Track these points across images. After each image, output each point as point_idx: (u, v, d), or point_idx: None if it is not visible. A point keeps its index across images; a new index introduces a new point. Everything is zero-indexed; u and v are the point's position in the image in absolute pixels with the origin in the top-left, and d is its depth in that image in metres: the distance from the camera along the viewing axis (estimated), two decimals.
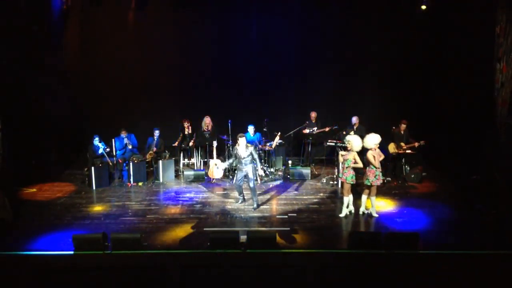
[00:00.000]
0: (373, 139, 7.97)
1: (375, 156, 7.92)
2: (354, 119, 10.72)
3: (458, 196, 9.35)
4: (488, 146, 8.61)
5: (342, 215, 8.25)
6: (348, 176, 8.04)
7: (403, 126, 10.41)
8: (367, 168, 8.02)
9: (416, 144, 10.12)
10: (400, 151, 10.33)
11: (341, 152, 8.27)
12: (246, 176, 8.57)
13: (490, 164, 8.29)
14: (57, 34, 11.81)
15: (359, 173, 8.43)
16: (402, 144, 10.32)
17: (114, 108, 12.33)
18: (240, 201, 8.93)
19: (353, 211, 8.36)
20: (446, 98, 12.03)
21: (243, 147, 8.47)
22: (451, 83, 11.80)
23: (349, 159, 8.01)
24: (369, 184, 8.00)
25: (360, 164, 8.02)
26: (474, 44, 10.58)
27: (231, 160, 8.86)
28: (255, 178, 8.73)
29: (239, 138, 8.49)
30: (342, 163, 8.23)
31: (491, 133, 8.41)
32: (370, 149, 7.95)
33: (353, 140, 8.04)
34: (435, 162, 12.07)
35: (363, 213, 8.30)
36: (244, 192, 8.99)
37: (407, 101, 12.61)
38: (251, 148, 8.54)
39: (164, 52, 12.11)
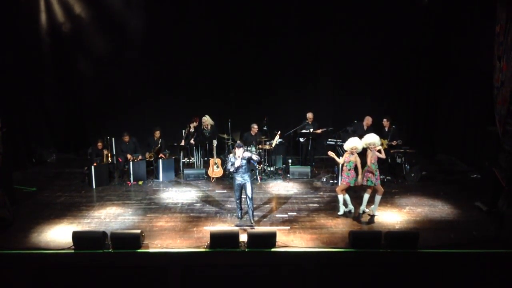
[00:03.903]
0: (367, 139, 8.03)
1: (373, 156, 7.96)
2: (369, 120, 10.65)
3: (458, 194, 9.34)
4: (488, 144, 8.60)
5: (340, 213, 8.27)
6: (352, 179, 8.05)
7: (385, 124, 10.39)
8: (365, 168, 8.03)
9: (394, 143, 10.11)
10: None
11: (346, 155, 8.21)
12: (243, 185, 7.81)
13: (490, 162, 8.27)
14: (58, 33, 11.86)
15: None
16: (384, 141, 10.20)
17: (115, 107, 12.33)
18: (239, 216, 8.13)
19: (352, 211, 8.36)
20: (446, 97, 12.05)
21: (241, 156, 7.68)
22: (451, 82, 11.82)
23: (351, 160, 8.01)
24: (372, 184, 8.03)
25: (383, 155, 8.04)
26: (474, 42, 10.59)
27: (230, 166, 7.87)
28: (252, 188, 7.93)
29: (236, 148, 7.72)
30: (344, 165, 8.16)
31: (491, 131, 8.40)
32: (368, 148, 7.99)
33: (356, 143, 8.02)
34: (434, 160, 12.10)
35: (363, 211, 8.30)
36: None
37: (407, 100, 12.64)
38: (247, 153, 7.82)
39: (164, 52, 12.10)
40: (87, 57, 12.09)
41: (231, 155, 7.99)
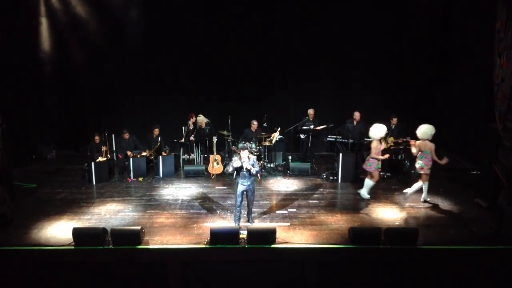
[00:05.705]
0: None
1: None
2: (357, 114, 10.69)
3: (458, 191, 9.35)
4: (488, 141, 8.60)
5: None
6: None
7: (394, 121, 10.39)
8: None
9: (400, 140, 10.09)
10: (386, 146, 10.22)
11: (374, 145, 8.61)
12: (247, 191, 7.53)
13: (490, 159, 8.28)
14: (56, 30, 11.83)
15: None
16: (390, 139, 10.20)
17: (114, 104, 12.31)
18: (237, 225, 7.56)
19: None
20: (446, 93, 12.04)
21: (246, 160, 7.27)
22: (451, 79, 11.81)
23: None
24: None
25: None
26: (474, 39, 10.57)
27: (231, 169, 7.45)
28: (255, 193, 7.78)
29: (241, 151, 7.32)
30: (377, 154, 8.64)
31: (491, 128, 8.40)
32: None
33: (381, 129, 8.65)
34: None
35: (425, 200, 8.70)
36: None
37: (406, 96, 12.62)
38: (253, 158, 7.45)
39: (164, 48, 12.06)
40: (87, 54, 12.05)
41: (236, 158, 7.51)
